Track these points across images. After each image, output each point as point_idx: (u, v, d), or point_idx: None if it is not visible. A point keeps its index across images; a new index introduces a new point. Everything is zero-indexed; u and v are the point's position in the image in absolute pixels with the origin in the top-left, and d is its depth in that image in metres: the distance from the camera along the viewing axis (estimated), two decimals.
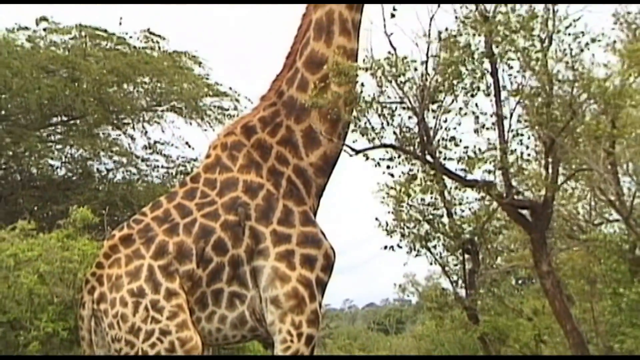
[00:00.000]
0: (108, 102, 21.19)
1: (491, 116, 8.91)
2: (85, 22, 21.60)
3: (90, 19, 22.59)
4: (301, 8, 9.95)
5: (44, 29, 21.42)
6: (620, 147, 9.14)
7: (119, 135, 22.13)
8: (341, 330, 25.08)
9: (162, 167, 21.96)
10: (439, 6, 8.70)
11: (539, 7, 8.47)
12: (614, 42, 10.41)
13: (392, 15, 8.93)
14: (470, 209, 10.17)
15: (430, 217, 9.85)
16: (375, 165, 8.96)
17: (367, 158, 9.20)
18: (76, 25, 21.56)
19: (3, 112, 20.94)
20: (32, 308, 12.32)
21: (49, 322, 12.04)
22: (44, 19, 21.41)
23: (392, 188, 9.60)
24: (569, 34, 8.45)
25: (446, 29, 8.91)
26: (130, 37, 21.90)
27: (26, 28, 21.24)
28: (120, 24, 22.14)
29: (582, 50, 8.52)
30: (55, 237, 12.82)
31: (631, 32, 10.85)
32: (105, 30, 21.78)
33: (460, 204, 10.03)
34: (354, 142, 9.33)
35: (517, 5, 8.42)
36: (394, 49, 8.89)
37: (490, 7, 8.78)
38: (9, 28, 21.23)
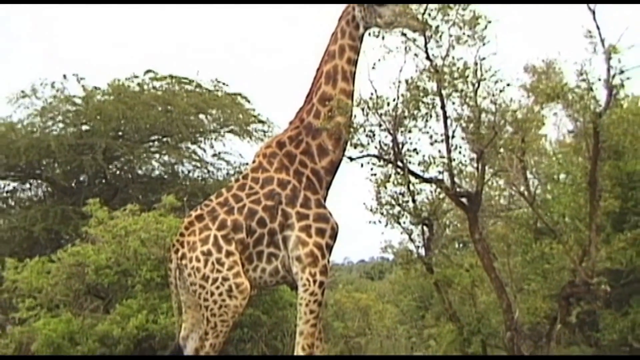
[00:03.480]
0: (189, 126, 21.25)
1: (441, 135, 8.94)
2: (175, 73, 21.80)
3: (178, 71, 22.74)
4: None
5: (149, 78, 21.57)
6: (528, 156, 9.16)
7: (196, 148, 22.20)
8: (342, 278, 25.09)
9: (224, 169, 22.01)
10: (405, 62, 8.73)
11: (470, 62, 8.53)
12: (525, 83, 10.38)
13: (373, 67, 8.97)
14: (427, 197, 10.22)
15: (401, 202, 9.86)
16: (361, 166, 9.04)
17: (353, 161, 9.23)
18: (170, 75, 21.70)
19: (120, 133, 21.08)
20: (137, 262, 12.33)
21: (148, 271, 12.05)
22: (150, 70, 21.56)
23: (375, 183, 9.63)
24: (492, 81, 8.50)
25: (411, 77, 8.92)
26: (204, 83, 22.04)
27: (136, 76, 21.40)
28: (197, 74, 22.32)
29: (501, 91, 8.56)
30: (152, 215, 12.85)
31: (537, 75, 10.83)
32: (187, 78, 21.88)
33: (420, 193, 10.04)
34: (346, 149, 9.39)
35: (456, 61, 8.48)
36: (375, 90, 8.91)
37: (439, 62, 8.77)
38: (128, 77, 21.44)
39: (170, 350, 10.34)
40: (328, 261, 9.61)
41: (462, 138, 8.90)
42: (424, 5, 8.72)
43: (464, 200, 8.98)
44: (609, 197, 8.26)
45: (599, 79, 7.95)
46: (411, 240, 10.36)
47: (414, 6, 8.85)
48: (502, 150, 8.84)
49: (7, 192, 21.75)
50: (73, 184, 21.19)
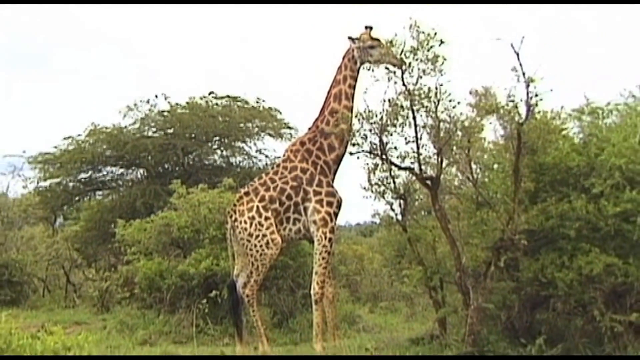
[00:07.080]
0: (240, 131, 21.18)
1: (412, 137, 8.86)
2: (232, 94, 21.68)
3: (233, 92, 22.64)
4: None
5: (212, 97, 21.47)
6: (472, 152, 9.08)
7: (244, 146, 22.07)
8: (344, 235, 24.86)
9: (263, 160, 21.77)
10: (387, 87, 8.74)
11: (433, 87, 8.51)
12: (470, 102, 10.22)
13: (365, 92, 8.98)
14: (403, 180, 10.13)
15: (385, 183, 9.75)
16: (357, 158, 8.98)
17: (352, 155, 9.16)
18: (227, 95, 21.61)
19: (193, 135, 21.07)
20: (205, 224, 12.37)
21: (213, 230, 12.07)
22: (212, 92, 21.48)
23: (367, 170, 9.58)
24: (448, 100, 8.43)
25: (392, 98, 8.86)
26: (249, 100, 21.90)
27: (205, 97, 21.30)
28: (244, 94, 22.22)
29: (454, 107, 8.49)
30: (216, 192, 12.91)
31: (479, 96, 10.64)
32: (239, 97, 21.73)
33: (398, 177, 9.89)
34: (347, 147, 9.38)
35: (423, 86, 8.47)
36: (367, 106, 8.91)
37: (411, 87, 8.73)
38: (200, 97, 21.40)
39: (227, 283, 10.48)
40: (335, 224, 9.72)
41: (427, 139, 8.87)
42: (402, 49, 8.71)
43: (428, 182, 8.98)
44: (527, 181, 8.24)
45: (521, 100, 7.95)
46: (392, 209, 10.33)
47: (394, 49, 8.85)
48: (454, 148, 8.80)
49: (117, 175, 22.02)
50: (161, 170, 21.36)
